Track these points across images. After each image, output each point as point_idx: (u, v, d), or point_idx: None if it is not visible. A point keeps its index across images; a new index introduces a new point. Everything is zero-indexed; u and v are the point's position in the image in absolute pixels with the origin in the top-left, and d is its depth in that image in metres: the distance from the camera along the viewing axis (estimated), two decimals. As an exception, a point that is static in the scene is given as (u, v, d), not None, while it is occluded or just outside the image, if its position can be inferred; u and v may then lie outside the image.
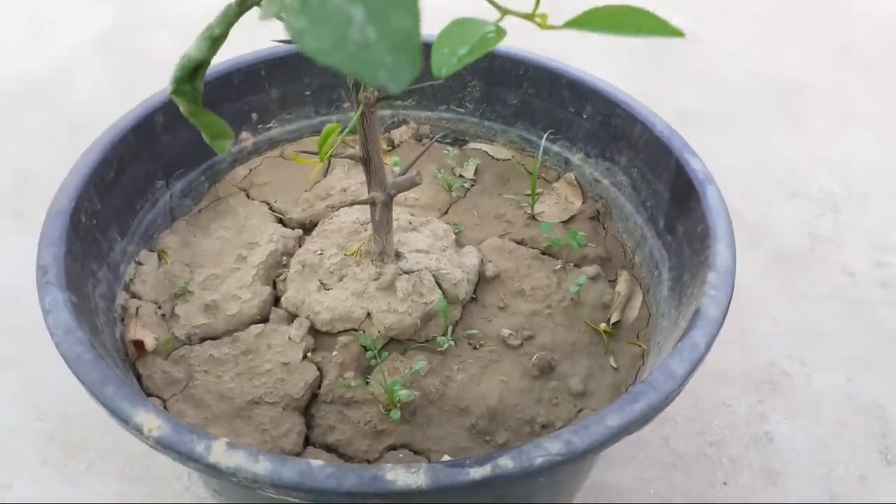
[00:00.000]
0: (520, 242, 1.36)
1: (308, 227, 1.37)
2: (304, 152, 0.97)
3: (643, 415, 0.88)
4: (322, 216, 1.37)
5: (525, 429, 1.08)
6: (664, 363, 0.94)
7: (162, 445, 0.84)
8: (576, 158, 1.49)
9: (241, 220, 1.38)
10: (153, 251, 1.32)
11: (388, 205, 1.13)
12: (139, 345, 1.11)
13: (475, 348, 1.18)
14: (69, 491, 1.53)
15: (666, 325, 1.17)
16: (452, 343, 1.15)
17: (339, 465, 0.81)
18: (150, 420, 0.85)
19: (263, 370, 1.10)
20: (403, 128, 1.61)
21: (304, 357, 1.13)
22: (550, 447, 0.83)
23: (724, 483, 1.69)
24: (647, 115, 1.33)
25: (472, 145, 1.60)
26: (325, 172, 1.52)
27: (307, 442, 1.06)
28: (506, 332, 1.19)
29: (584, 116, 1.44)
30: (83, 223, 1.13)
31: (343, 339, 1.14)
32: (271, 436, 1.03)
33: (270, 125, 1.54)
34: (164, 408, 1.07)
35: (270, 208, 1.42)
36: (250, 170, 1.52)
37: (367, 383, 1.10)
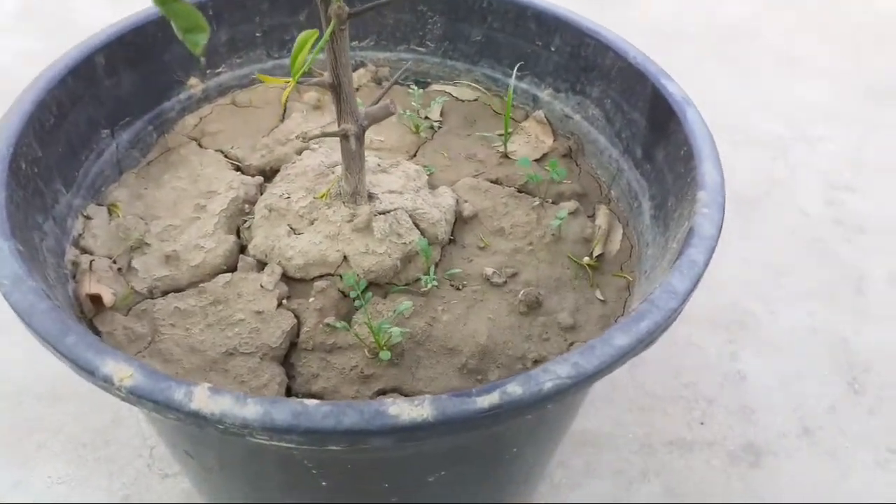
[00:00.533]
0: (494, 181, 1.31)
1: (269, 174, 1.29)
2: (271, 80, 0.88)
3: (649, 333, 0.85)
4: (283, 161, 1.29)
5: (517, 365, 1.04)
6: (664, 282, 0.90)
7: (136, 396, 0.76)
8: (544, 95, 1.45)
9: (195, 170, 1.29)
10: (102, 205, 1.21)
11: (360, 138, 1.05)
12: (96, 300, 1.01)
13: (458, 288, 1.13)
14: (22, 474, 1.42)
15: (652, 253, 1.14)
16: (435, 283, 1.10)
17: (335, 403, 0.74)
18: (121, 369, 0.77)
19: (235, 320, 1.03)
20: (361, 70, 1.52)
21: (279, 305, 1.06)
22: (559, 370, 0.79)
23: (702, 423, 1.71)
24: (619, 42, 1.29)
25: (434, 87, 1.53)
26: (283, 117, 1.43)
27: (289, 392, 0.99)
28: (489, 270, 1.14)
29: (553, 49, 1.39)
30: (24, 170, 1.02)
31: (320, 284, 1.07)
32: (251, 387, 0.96)
33: (220, 70, 1.44)
34: (129, 366, 0.99)
35: (226, 156, 1.33)
36: (200, 118, 1.42)
37: (350, 327, 1.03)
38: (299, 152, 1.31)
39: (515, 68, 1.43)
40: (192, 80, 1.40)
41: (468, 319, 1.07)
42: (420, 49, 1.51)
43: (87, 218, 1.17)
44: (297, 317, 1.05)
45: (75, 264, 1.08)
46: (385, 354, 0.97)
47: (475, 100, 1.51)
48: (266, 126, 1.39)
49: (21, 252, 0.89)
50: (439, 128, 1.43)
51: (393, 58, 1.53)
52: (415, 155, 1.37)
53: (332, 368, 1.00)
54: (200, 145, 1.36)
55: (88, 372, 0.78)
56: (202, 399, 0.74)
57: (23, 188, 1.01)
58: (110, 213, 1.20)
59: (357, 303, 0.98)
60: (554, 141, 1.42)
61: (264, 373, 0.98)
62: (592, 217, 1.28)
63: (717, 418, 1.68)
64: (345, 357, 1.01)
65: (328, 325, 1.03)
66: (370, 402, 0.75)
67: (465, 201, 1.25)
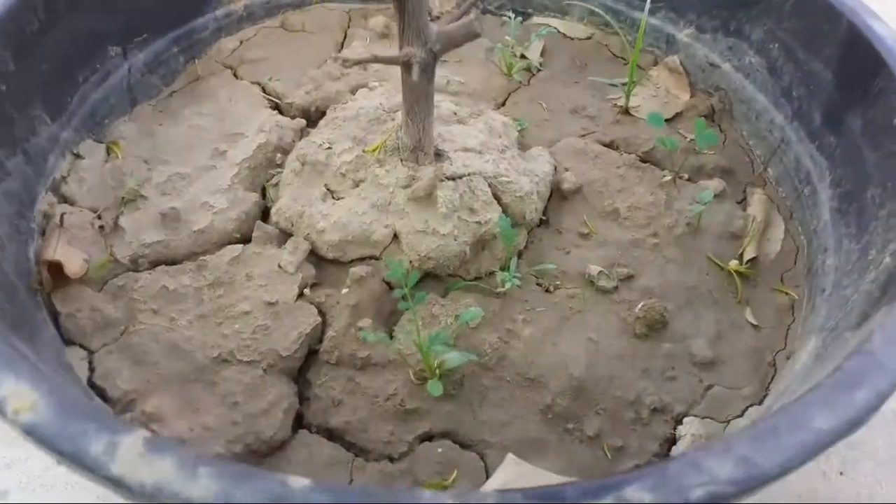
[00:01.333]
0: (608, 145, 0.97)
1: (314, 117, 0.99)
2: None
3: (868, 409, 0.51)
4: (333, 102, 0.99)
5: (627, 413, 0.71)
6: (888, 322, 0.56)
7: (35, 437, 0.48)
8: (683, 35, 1.09)
9: (223, 105, 1.01)
10: (101, 142, 0.95)
11: (429, 69, 0.74)
12: (55, 269, 0.75)
13: (549, 291, 0.81)
14: (16, 453, 1.21)
15: (836, 263, 0.79)
16: (517, 282, 0.78)
17: (340, 488, 0.45)
18: (20, 394, 0.50)
19: (238, 312, 0.75)
20: (446, -7, 1.20)
21: (301, 295, 0.77)
22: (717, 469, 0.47)
23: None
24: (804, -39, 0.92)
25: (537, 18, 1.19)
26: (341, 46, 1.13)
27: (299, 423, 0.71)
28: (594, 268, 0.82)
29: (703, -29, 1.03)
30: (-23, 86, 0.77)
31: (358, 270, 0.77)
32: (244, 413, 0.68)
33: (268, -18, 1.15)
34: (90, 363, 0.72)
35: (264, 91, 1.04)
36: (241, 42, 1.13)
37: (392, 337, 0.73)
38: (354, 91, 1.01)
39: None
40: (232, -7, 1.12)
41: (560, 338, 0.76)
42: (522, -32, 1.18)
43: (77, 157, 0.91)
44: (322, 314, 0.76)
45: (47, 216, 0.83)
46: (435, 387, 0.66)
47: (589, 38, 1.16)
48: (319, 56, 1.10)
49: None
50: (539, 71, 1.09)
51: (486, -22, 1.20)
52: (503, 104, 1.04)
53: (361, 394, 0.71)
54: (236, 75, 1.08)
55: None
56: (130, 460, 0.46)
57: (-26, 110, 0.75)
58: (109, 152, 0.94)
59: (403, 303, 0.68)
60: (691, 97, 1.06)
61: (267, 392, 0.70)
62: (742, 203, 0.93)
63: None
64: (381, 379, 0.71)
65: (362, 330, 0.73)
66: (394, 491, 0.45)
67: (567, 169, 0.92)
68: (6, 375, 0.51)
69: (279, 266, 0.78)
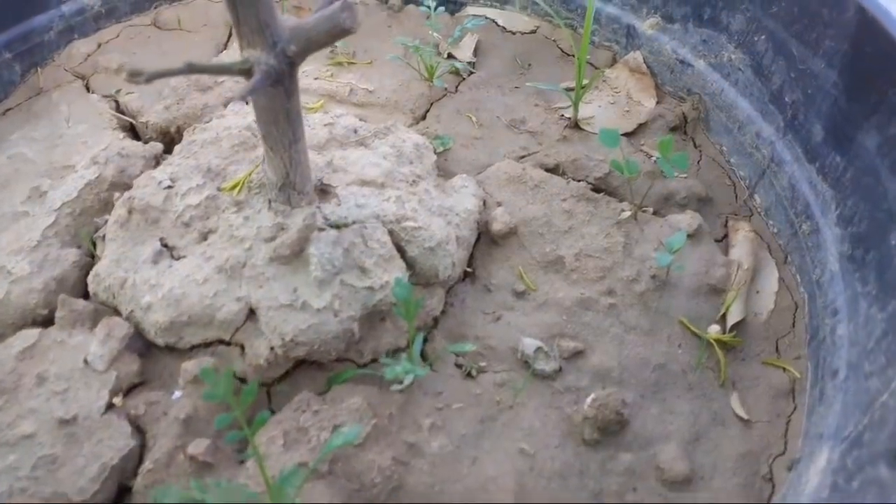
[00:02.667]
0: (552, 170, 0.76)
1: (176, 139, 0.77)
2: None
3: None
4: (200, 119, 0.77)
5: (571, 563, 0.51)
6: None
7: None
8: (646, 26, 0.88)
9: (60, 127, 0.78)
10: None
11: (284, 79, 0.52)
12: None
13: (470, 376, 0.60)
14: None
15: (849, 333, 0.58)
16: (420, 373, 0.56)
17: None
18: None
19: (17, 436, 0.52)
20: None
21: (110, 406, 0.55)
22: None
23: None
24: (799, -72, 0.71)
25: (471, 10, 0.98)
26: (224, 46, 0.91)
27: None
28: (529, 344, 0.61)
29: (669, -55, 0.82)
30: None
31: (192, 365, 0.55)
32: None
33: (130, -32, 0.93)
34: None
35: (117, 107, 0.82)
36: (99, 45, 0.90)
37: (243, 461, 0.52)
38: (227, 103, 0.79)
39: (601, -23, 0.86)
40: (80, -18, 0.89)
41: (482, 451, 0.55)
42: (449, -54, 0.96)
43: None
44: (140, 432, 0.54)
45: None
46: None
47: (533, 31, 0.95)
48: (196, 59, 0.87)
49: None
50: (471, 74, 0.88)
51: (407, -39, 0.98)
52: (423, 116, 0.83)
53: (187, 556, 0.49)
54: (88, 87, 0.85)
55: None
56: None
57: None
58: None
59: (230, 436, 0.46)
60: (658, 103, 0.85)
61: (50, 557, 0.48)
62: (723, 243, 0.72)
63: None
64: (217, 532, 0.50)
65: (195, 460, 0.51)
66: None
67: (500, 204, 0.71)
68: None
69: (85, 361, 0.56)
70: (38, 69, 0.87)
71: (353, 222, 0.62)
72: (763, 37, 0.76)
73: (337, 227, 0.61)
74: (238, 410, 0.46)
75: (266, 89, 0.53)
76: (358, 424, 0.51)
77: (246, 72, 0.52)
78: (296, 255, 0.58)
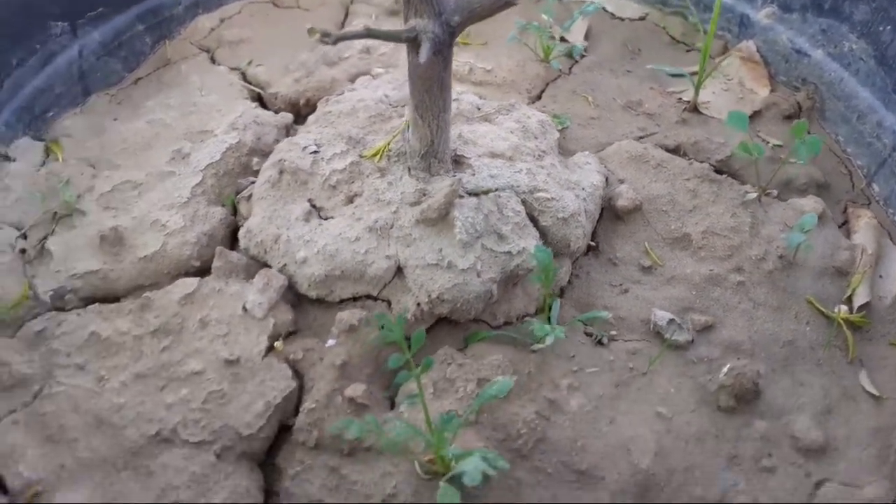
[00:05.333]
0: (673, 151, 0.77)
1: (303, 112, 0.81)
2: None
3: None
4: (328, 92, 0.80)
5: (711, 522, 0.52)
6: None
7: None
8: (762, 15, 0.88)
9: (193, 96, 0.82)
10: (41, 140, 0.77)
11: (444, 49, 0.55)
12: (-53, 309, 0.57)
13: (601, 344, 0.62)
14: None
15: None
16: (561, 335, 0.58)
17: None
18: None
19: (187, 372, 0.56)
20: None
21: (270, 349, 0.58)
22: None
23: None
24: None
25: (579, -5, 1.00)
26: (342, 25, 0.94)
27: (263, 530, 0.52)
28: (662, 315, 0.62)
29: (793, -66, 0.83)
30: None
31: (348, 315, 0.58)
32: (185, 519, 0.50)
33: (256, -52, 0.96)
34: (-13, 438, 0.54)
35: (244, 78, 0.86)
36: (221, 20, 0.94)
37: (394, 406, 0.54)
38: (354, 79, 0.82)
39: (721, -35, 0.87)
40: (212, -40, 0.93)
41: (619, 412, 0.57)
42: (562, -67, 0.98)
43: (5, 159, 0.73)
44: (298, 376, 0.57)
45: (-45, 235, 0.64)
46: (449, 496, 0.47)
47: (642, 18, 0.96)
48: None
49: None
50: (583, 56, 0.90)
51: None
52: (539, 96, 0.85)
53: (348, 491, 0.52)
54: (213, 60, 0.89)
55: None
56: None
57: None
58: (48, 153, 0.76)
59: (402, 375, 0.48)
60: (771, 91, 0.86)
61: (221, 485, 0.51)
62: (844, 229, 0.73)
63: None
64: (376, 471, 0.53)
65: (353, 402, 0.54)
66: None
67: (622, 181, 0.73)
68: None
69: (244, 308, 0.59)
70: (167, 41, 0.92)
71: (489, 191, 0.64)
72: (889, 27, 0.76)
73: (475, 194, 0.63)
74: (408, 354, 0.48)
75: (433, 59, 0.56)
76: (507, 378, 0.53)
77: (412, 39, 0.55)
78: (441, 219, 0.60)
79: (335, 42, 0.49)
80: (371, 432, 0.47)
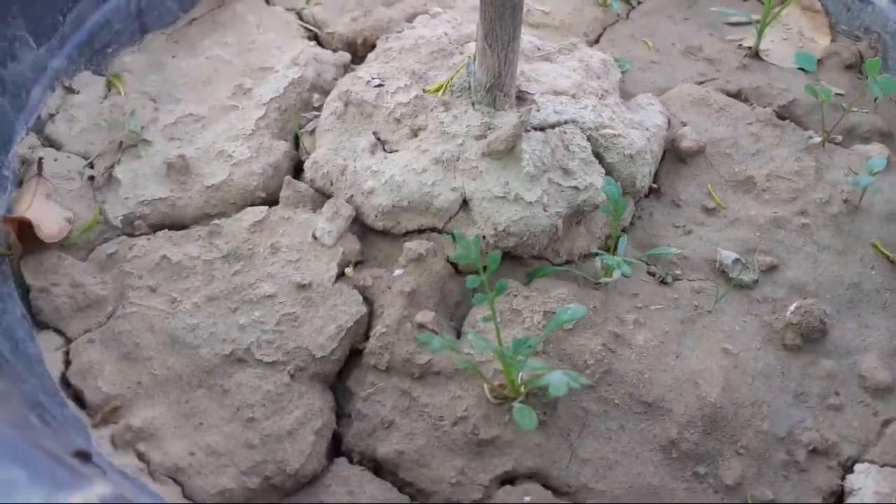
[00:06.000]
0: (734, 95, 0.76)
1: (360, 51, 0.80)
2: None
3: None
4: (385, 31, 0.79)
5: (777, 454, 0.53)
6: None
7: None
8: (826, -39, 0.87)
9: (251, 34, 0.82)
10: (101, 75, 0.77)
11: (523, -24, 0.54)
12: (27, 229, 0.58)
13: (664, 283, 0.62)
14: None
15: None
16: (628, 270, 0.58)
17: None
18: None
19: (259, 295, 0.57)
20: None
21: (340, 276, 0.59)
22: None
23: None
24: None
25: (636, -59, 0.98)
26: (395, -34, 0.93)
27: (337, 449, 0.53)
28: (727, 255, 0.62)
29: None
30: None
31: (416, 245, 0.59)
32: (263, 433, 0.51)
33: None
34: (66, 353, 0.55)
35: (300, 18, 0.85)
36: (274, -39, 0.94)
37: (460, 336, 0.55)
38: (410, 19, 0.81)
39: None
40: None
41: (684, 348, 0.57)
42: None
43: (69, 91, 0.73)
44: (368, 302, 0.58)
45: (26, 163, 0.65)
46: (527, 418, 0.47)
47: (699, -36, 0.94)
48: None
49: None
50: (639, 3, 0.88)
51: None
52: (597, 40, 0.84)
53: (419, 413, 0.53)
54: (267, 1, 0.89)
55: None
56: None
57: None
58: (109, 87, 0.76)
59: (478, 297, 0.49)
60: (832, 41, 0.84)
61: (295, 404, 0.52)
62: (908, 176, 0.72)
63: None
64: (445, 394, 0.53)
65: (422, 332, 0.54)
66: None
67: (685, 123, 0.72)
68: None
69: (314, 236, 0.60)
70: (221, -19, 0.91)
71: (555, 125, 0.64)
72: (962, -29, 0.74)
73: (541, 128, 0.63)
74: (483, 276, 0.48)
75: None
76: (579, 305, 0.53)
77: (490, -37, 0.54)
78: (508, 151, 0.60)
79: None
80: (447, 350, 0.48)
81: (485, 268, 0.49)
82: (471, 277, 0.48)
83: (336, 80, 0.76)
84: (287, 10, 0.86)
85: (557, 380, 0.43)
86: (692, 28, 0.85)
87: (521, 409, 0.47)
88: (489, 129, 0.62)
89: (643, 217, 0.67)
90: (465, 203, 0.61)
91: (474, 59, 0.63)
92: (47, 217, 0.60)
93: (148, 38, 0.84)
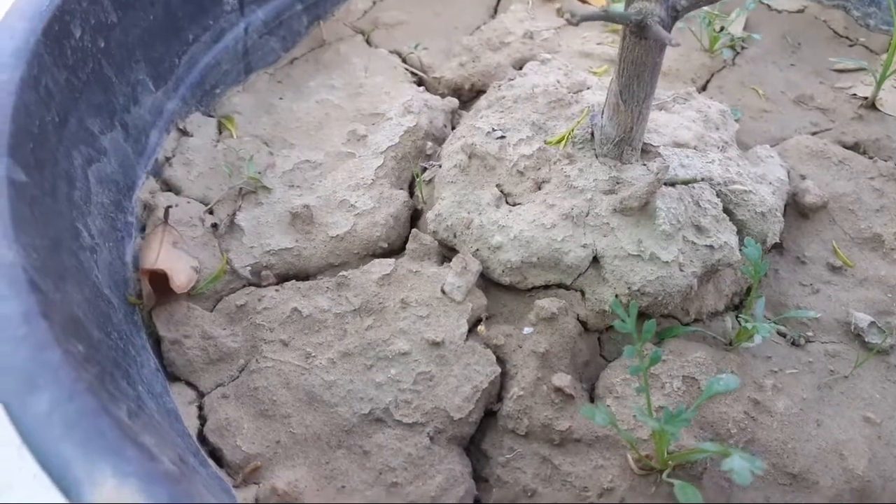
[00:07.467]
0: (852, 148, 0.75)
1: (467, 96, 0.80)
2: None
3: None
4: (492, 77, 0.79)
5: (933, 534, 0.51)
6: None
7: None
8: (939, 9, 0.85)
9: (357, 77, 0.82)
10: (211, 116, 0.78)
11: (664, 32, 0.54)
12: (160, 280, 0.58)
13: (796, 345, 0.60)
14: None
15: None
16: (767, 333, 0.57)
17: None
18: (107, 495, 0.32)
19: (394, 352, 0.56)
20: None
21: (471, 332, 0.58)
22: None
23: None
24: None
25: (735, -14, 0.97)
26: (495, 9, 0.93)
27: (476, 513, 0.52)
28: (862, 318, 0.61)
29: None
30: (75, 40, 0.60)
31: (548, 304, 0.58)
32: (406, 498, 0.50)
33: (409, -70, 0.96)
34: (200, 408, 0.55)
35: (404, 61, 0.86)
36: (374, 2, 0.95)
37: (597, 411, 0.54)
38: (518, 65, 0.81)
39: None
40: (367, -59, 0.93)
41: (824, 416, 0.55)
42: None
43: (184, 133, 0.74)
44: (501, 361, 0.57)
45: (148, 208, 0.66)
46: (689, 494, 0.46)
47: (800, 11, 0.93)
48: (470, 21, 0.90)
49: (18, 185, 0.46)
50: (743, 48, 0.87)
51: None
52: (705, 87, 0.83)
53: (562, 482, 0.51)
54: (369, 42, 0.90)
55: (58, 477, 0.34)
56: None
57: (69, 68, 0.58)
58: (220, 129, 0.77)
59: (632, 367, 0.48)
60: (946, 90, 0.82)
61: (437, 469, 0.51)
62: None
63: None
64: (588, 463, 0.52)
65: (560, 392, 0.54)
66: None
67: (803, 177, 0.71)
68: (94, 461, 0.34)
69: (442, 291, 0.59)
70: (320, 22, 0.92)
71: (687, 181, 0.63)
72: None
73: (671, 184, 0.62)
74: (640, 343, 0.47)
75: (641, 42, 0.55)
76: (732, 375, 0.52)
77: (638, 22, 0.54)
78: (641, 208, 0.59)
79: (578, 22, 0.48)
80: (607, 421, 0.47)
81: (644, 334, 0.48)
82: (628, 348, 0.47)
83: (445, 126, 0.76)
84: (390, 52, 0.87)
85: (740, 466, 0.42)
86: (799, 75, 0.84)
87: (684, 487, 0.46)
88: (617, 183, 0.61)
89: (768, 274, 0.65)
90: (595, 260, 0.60)
91: (601, 113, 0.63)
92: (177, 266, 0.60)
93: (252, 77, 0.85)
